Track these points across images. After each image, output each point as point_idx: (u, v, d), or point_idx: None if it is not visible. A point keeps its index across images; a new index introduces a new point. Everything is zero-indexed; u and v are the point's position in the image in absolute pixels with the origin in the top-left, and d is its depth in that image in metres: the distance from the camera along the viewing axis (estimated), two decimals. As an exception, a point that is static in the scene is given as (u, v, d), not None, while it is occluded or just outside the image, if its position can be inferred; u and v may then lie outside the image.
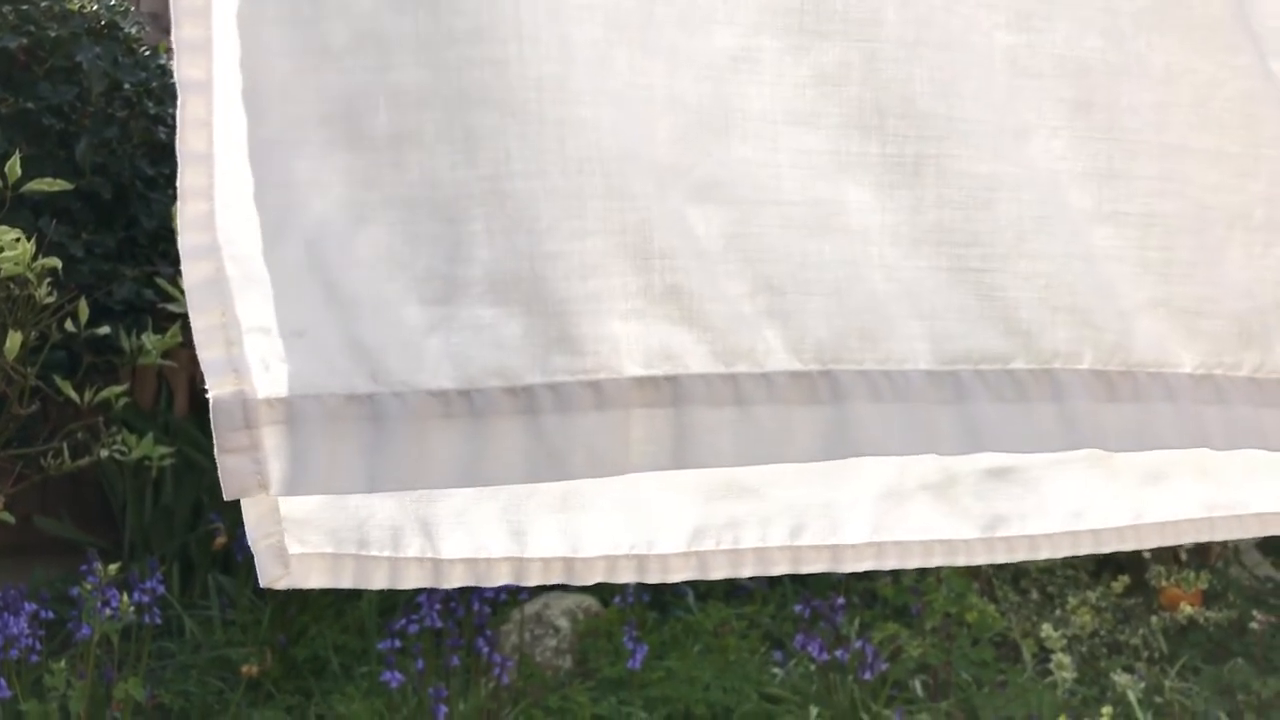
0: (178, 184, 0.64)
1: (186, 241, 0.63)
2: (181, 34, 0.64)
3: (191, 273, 0.63)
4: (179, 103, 0.64)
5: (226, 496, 0.62)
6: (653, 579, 0.81)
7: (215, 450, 0.62)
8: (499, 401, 0.65)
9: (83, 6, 4.25)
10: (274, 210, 0.65)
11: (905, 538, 0.84)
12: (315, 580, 0.73)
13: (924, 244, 0.70)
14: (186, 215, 0.64)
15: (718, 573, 0.82)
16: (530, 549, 0.80)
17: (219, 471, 0.62)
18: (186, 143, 0.64)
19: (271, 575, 0.69)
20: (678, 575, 0.81)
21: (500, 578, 0.79)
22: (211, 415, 0.62)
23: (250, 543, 0.68)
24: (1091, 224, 0.73)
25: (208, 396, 0.63)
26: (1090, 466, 0.86)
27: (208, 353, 0.63)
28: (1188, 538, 0.88)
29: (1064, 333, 0.71)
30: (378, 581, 0.76)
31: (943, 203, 0.70)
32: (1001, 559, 0.85)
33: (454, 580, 0.78)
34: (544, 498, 0.80)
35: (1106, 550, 0.89)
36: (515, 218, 0.65)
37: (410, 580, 0.77)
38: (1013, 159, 0.71)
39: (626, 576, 0.81)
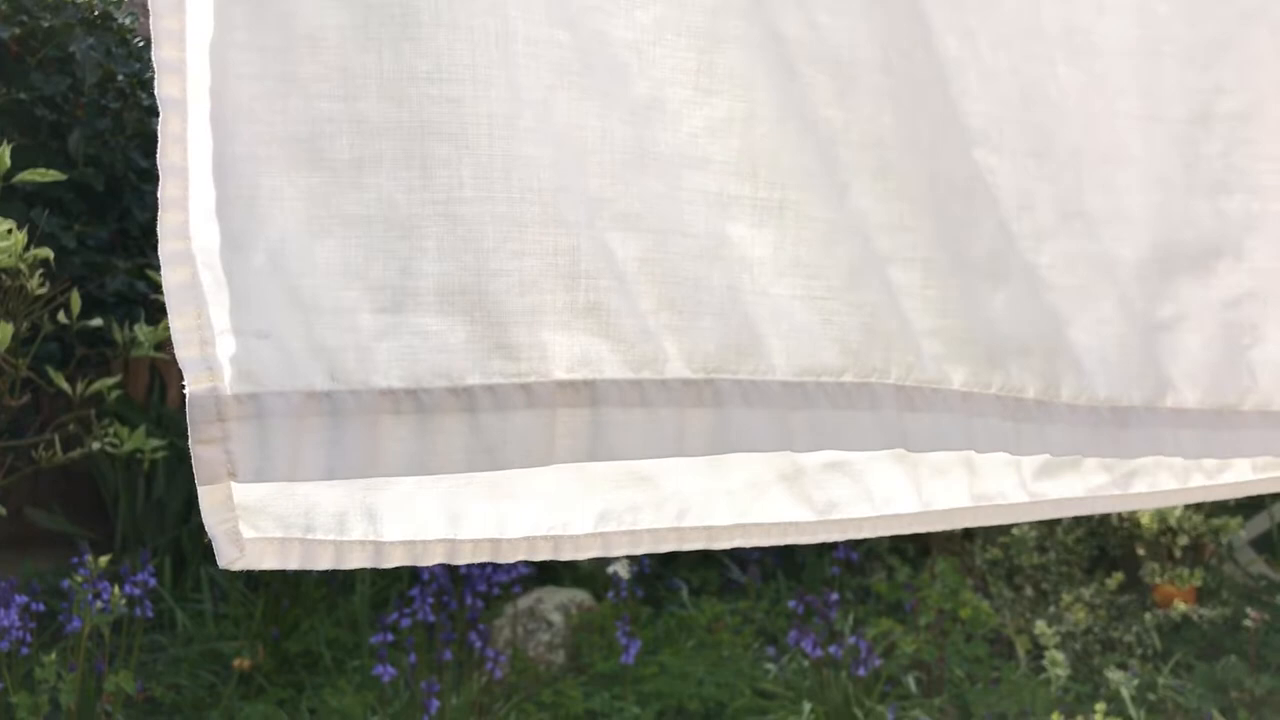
0: (159, 194, 0.70)
1: (165, 249, 0.69)
2: (160, 54, 0.70)
3: (170, 278, 0.70)
4: (160, 118, 0.70)
5: (199, 483, 0.69)
6: (565, 556, 0.90)
7: (190, 441, 0.68)
8: (443, 400, 0.74)
9: (76, -4, 4.23)
10: (239, 221, 0.71)
11: (763, 520, 0.95)
12: (268, 562, 0.79)
13: (785, 275, 0.83)
14: (165, 224, 0.70)
15: (619, 550, 0.91)
16: (463, 532, 0.87)
17: (192, 460, 0.68)
18: (166, 156, 0.70)
19: (229, 557, 0.74)
20: (586, 553, 0.90)
21: (435, 558, 0.86)
22: (187, 409, 0.68)
23: (208, 528, 0.73)
24: (889, 266, 0.87)
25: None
26: (895, 462, 0.99)
27: (184, 352, 0.69)
28: (961, 523, 1.03)
29: (879, 353, 0.86)
30: (323, 563, 0.82)
31: (799, 241, 0.83)
32: (835, 537, 0.98)
33: (394, 561, 0.85)
34: (476, 486, 0.87)
35: (904, 532, 1.02)
36: (464, 238, 0.74)
37: (353, 561, 0.84)
38: (842, 210, 0.85)
39: (544, 554, 0.90)
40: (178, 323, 0.69)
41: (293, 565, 0.80)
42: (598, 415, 0.78)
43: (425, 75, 0.73)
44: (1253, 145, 1.07)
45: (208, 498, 0.72)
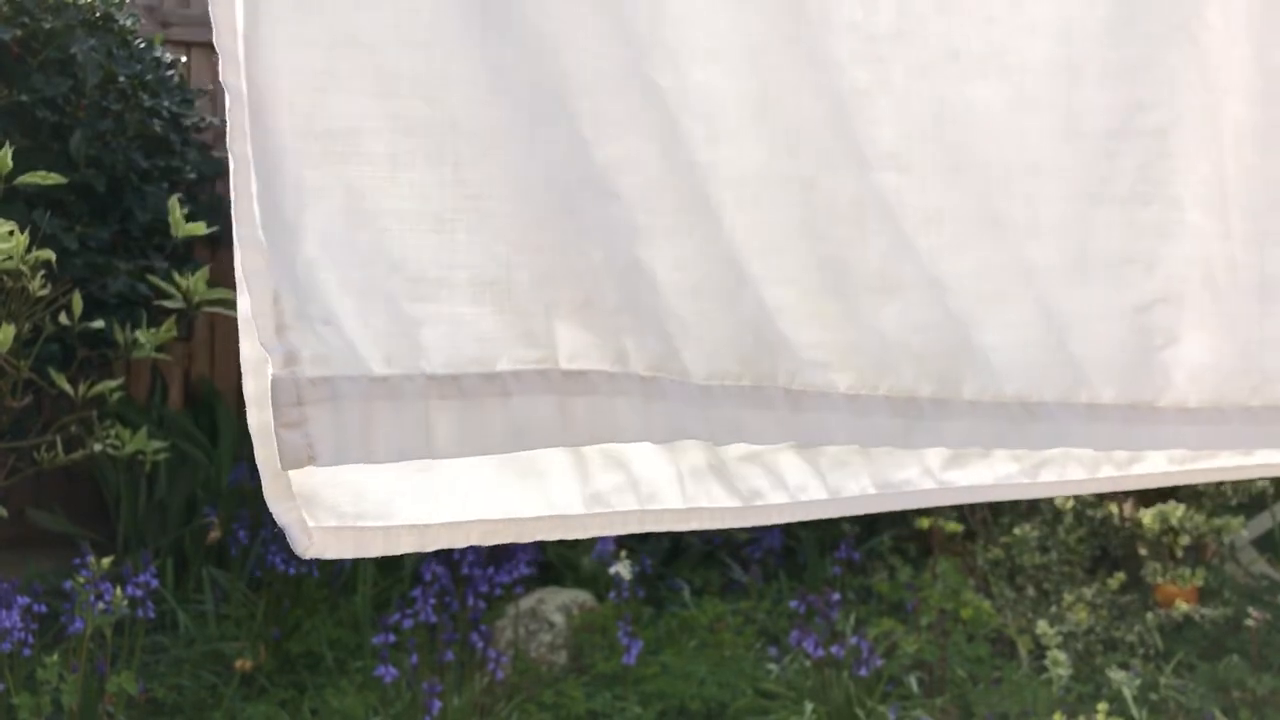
0: (230, 181, 0.73)
1: (240, 233, 0.72)
2: (221, 41, 0.74)
3: (246, 263, 0.72)
4: (227, 107, 0.73)
5: (283, 468, 0.72)
6: (571, 535, 0.98)
7: (273, 424, 0.70)
8: (480, 385, 0.79)
9: (77, -2, 4.23)
10: (290, 212, 0.74)
11: (707, 505, 1.03)
12: (330, 551, 0.82)
13: (685, 295, 0.93)
14: (237, 211, 0.73)
15: (616, 528, 1.00)
16: (493, 512, 0.94)
17: (278, 444, 0.71)
18: (234, 143, 0.73)
19: (301, 545, 0.79)
20: (587, 533, 0.99)
21: (473, 539, 0.93)
22: (271, 393, 0.70)
23: (276, 517, 0.77)
24: (763, 286, 0.97)
25: (261, 377, 0.74)
26: (797, 455, 1.07)
27: (264, 336, 0.71)
28: (872, 509, 1.11)
29: (767, 361, 0.97)
30: (375, 550, 0.86)
31: (691, 265, 0.93)
32: (759, 522, 1.05)
33: (438, 544, 0.90)
34: (494, 469, 0.94)
35: (821, 516, 1.10)
36: (494, 232, 0.80)
37: (403, 546, 0.88)
38: (718, 238, 0.95)
39: (555, 535, 0.97)
40: (257, 311, 0.72)
41: (348, 554, 0.84)
42: (593, 403, 0.85)
43: (459, 78, 0.79)
44: (1171, 159, 1.13)
45: (272, 487, 0.77)
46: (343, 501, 0.83)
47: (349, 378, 0.74)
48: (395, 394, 0.75)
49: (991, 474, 1.16)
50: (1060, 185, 1.09)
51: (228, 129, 0.73)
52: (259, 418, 0.77)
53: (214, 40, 0.74)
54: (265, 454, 0.76)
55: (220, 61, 0.74)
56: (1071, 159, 1.10)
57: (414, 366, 0.77)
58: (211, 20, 0.74)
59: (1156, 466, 1.21)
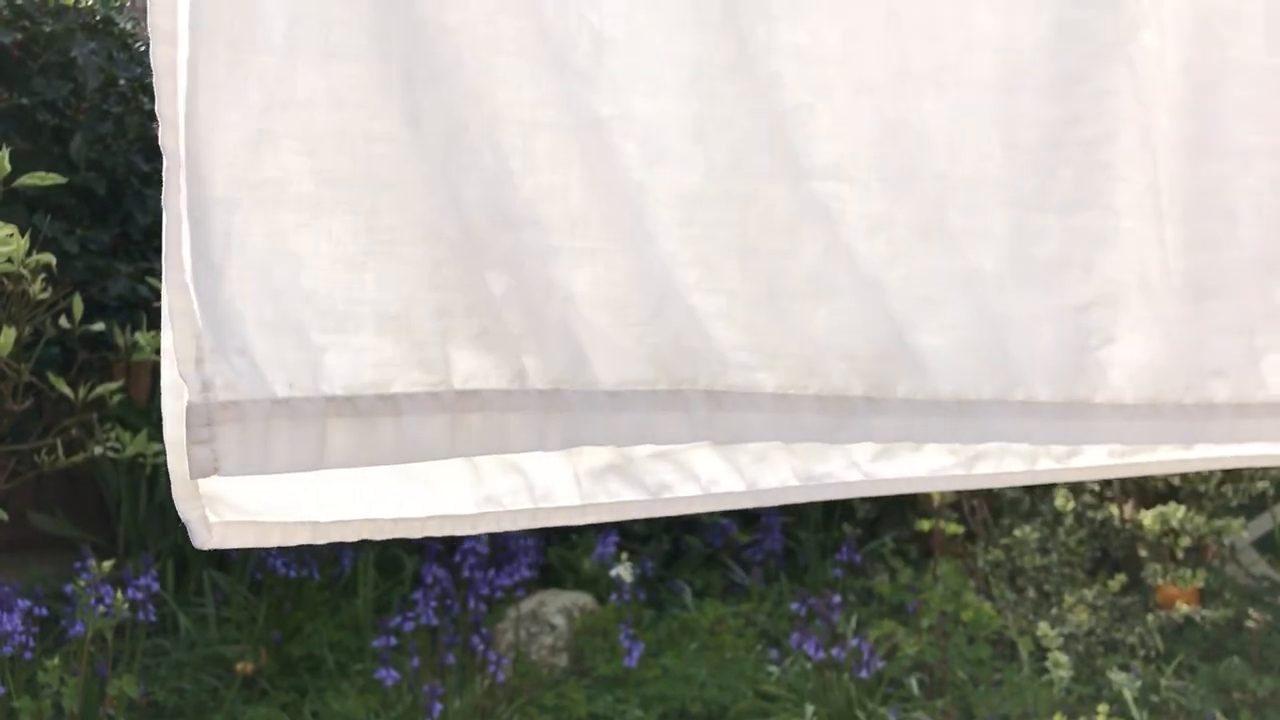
0: (163, 234, 0.83)
1: (169, 280, 0.82)
2: (162, 109, 0.83)
3: (173, 305, 0.82)
4: (164, 167, 0.83)
5: (191, 478, 0.84)
6: (460, 532, 1.05)
7: (185, 442, 0.82)
8: (373, 405, 0.90)
9: (77, 2, 4.23)
10: (216, 255, 0.84)
11: (606, 500, 1.09)
12: (230, 541, 0.92)
13: (600, 309, 1.01)
14: (168, 259, 0.82)
15: (506, 525, 1.06)
16: (382, 513, 1.02)
17: (173, 459, 0.85)
18: (169, 199, 0.82)
19: (201, 538, 0.89)
20: (476, 530, 1.06)
21: (361, 534, 1.01)
22: (185, 417, 0.82)
23: (182, 515, 0.88)
24: (693, 295, 1.05)
25: (178, 400, 0.83)
26: (712, 450, 1.12)
27: (184, 367, 0.82)
28: (793, 499, 1.17)
29: (688, 366, 1.04)
30: (273, 540, 0.95)
31: (609, 282, 1.01)
32: (667, 513, 1.12)
33: (329, 537, 0.99)
34: (392, 475, 1.01)
35: (736, 507, 1.15)
36: (398, 274, 0.91)
37: (299, 538, 0.97)
38: (649, 253, 1.03)
39: (443, 532, 1.05)
40: (179, 345, 0.82)
41: (249, 544, 0.94)
42: (486, 417, 0.95)
43: (380, 135, 0.89)
44: (1108, 169, 1.19)
45: (181, 490, 0.87)
46: (245, 500, 0.92)
47: (254, 400, 0.84)
48: (295, 414, 0.86)
49: (924, 466, 1.20)
50: (1000, 194, 1.16)
51: (164, 187, 0.82)
52: (173, 433, 0.86)
53: (156, 108, 0.83)
54: (177, 465, 0.86)
55: (160, 128, 0.83)
56: (1011, 169, 1.16)
57: (315, 389, 0.88)
58: (155, 90, 0.84)
59: (1095, 460, 1.26)
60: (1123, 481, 4.47)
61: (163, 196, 0.82)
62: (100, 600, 3.34)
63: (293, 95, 0.86)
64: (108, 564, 3.31)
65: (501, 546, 4.50)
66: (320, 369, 0.88)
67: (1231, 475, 4.34)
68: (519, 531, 4.51)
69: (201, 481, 0.87)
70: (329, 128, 0.88)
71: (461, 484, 1.03)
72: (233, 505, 0.91)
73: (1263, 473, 4.35)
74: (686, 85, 1.03)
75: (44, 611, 3.64)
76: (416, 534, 1.04)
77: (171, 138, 0.83)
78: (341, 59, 0.88)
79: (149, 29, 0.84)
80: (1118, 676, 3.66)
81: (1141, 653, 4.04)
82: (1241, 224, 1.24)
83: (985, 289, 1.15)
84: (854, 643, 3.71)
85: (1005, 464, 1.23)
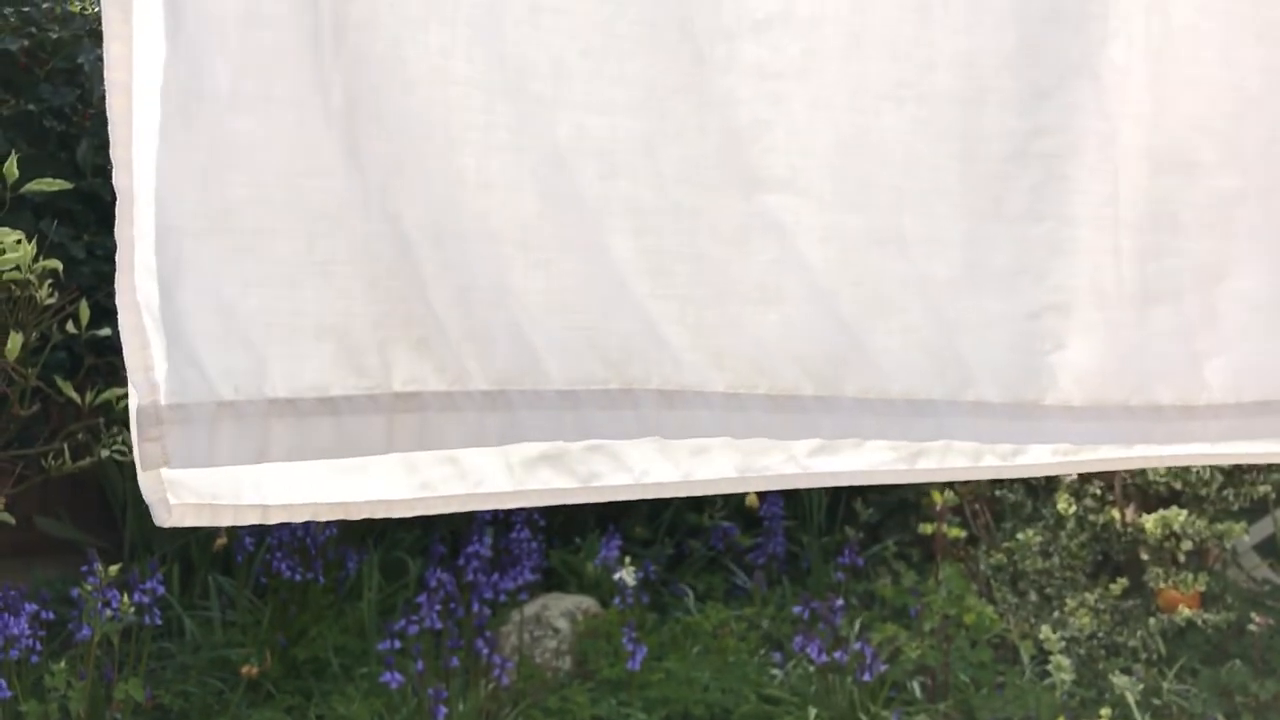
0: (116, 259, 0.92)
1: (120, 300, 0.92)
2: (116, 153, 0.91)
3: (123, 321, 0.92)
4: (117, 202, 0.91)
5: (141, 469, 0.93)
6: (395, 514, 1.13)
7: (136, 439, 0.92)
8: (314, 407, 0.99)
9: (84, 9, 4.26)
10: (168, 275, 0.93)
11: (537, 487, 1.14)
12: (188, 521, 1.00)
13: (555, 313, 1.07)
14: (120, 283, 0.92)
15: (431, 510, 1.12)
16: (326, 498, 1.09)
17: (137, 454, 0.93)
18: (120, 229, 0.91)
19: (160, 518, 0.97)
20: (410, 513, 1.12)
21: (305, 517, 1.09)
22: (134, 417, 0.91)
23: (145, 497, 0.96)
24: (647, 301, 1.10)
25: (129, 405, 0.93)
26: (653, 444, 1.16)
27: (134, 376, 0.92)
28: (728, 489, 1.21)
29: (639, 367, 1.10)
30: (225, 520, 1.03)
31: (563, 289, 1.07)
32: (597, 499, 1.17)
33: (276, 519, 1.06)
34: (335, 467, 1.07)
35: (668, 496, 1.20)
36: (337, 290, 0.99)
37: (248, 519, 1.05)
38: (603, 262, 1.09)
39: (378, 514, 1.12)
40: (130, 356, 0.92)
41: (205, 523, 1.02)
42: (424, 417, 1.03)
43: (313, 170, 0.98)
44: (1067, 180, 1.24)
45: (146, 478, 0.95)
46: (201, 485, 1.00)
47: (199, 403, 0.94)
48: (239, 414, 0.96)
49: (864, 461, 1.24)
50: (957, 204, 1.20)
51: (116, 219, 0.91)
52: (134, 430, 0.95)
53: (110, 152, 0.92)
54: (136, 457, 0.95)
55: (114, 169, 0.91)
56: (969, 181, 1.20)
57: (258, 393, 0.97)
58: (110, 135, 0.92)
59: (1039, 458, 1.31)
60: (1124, 485, 4.48)
61: (115, 227, 0.91)
62: (106, 604, 3.35)
63: (236, 138, 0.95)
64: (114, 568, 3.33)
65: (505, 550, 4.52)
66: (264, 375, 0.97)
67: (1233, 479, 4.35)
68: (523, 535, 4.53)
69: (164, 470, 0.95)
70: (268, 165, 0.97)
71: (397, 474, 1.10)
72: (191, 489, 0.99)
73: (1264, 476, 4.36)
74: (638, 105, 1.09)
75: (50, 615, 3.65)
76: (355, 516, 1.12)
77: (125, 177, 0.91)
78: (281, 103, 0.96)
79: (105, 83, 0.93)
80: (1120, 680, 3.67)
81: (1143, 656, 4.05)
82: (1186, 235, 1.29)
83: (939, 295, 1.20)
84: (856, 646, 3.73)
85: (949, 460, 1.27)
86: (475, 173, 1.04)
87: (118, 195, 0.92)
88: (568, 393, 1.08)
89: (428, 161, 1.03)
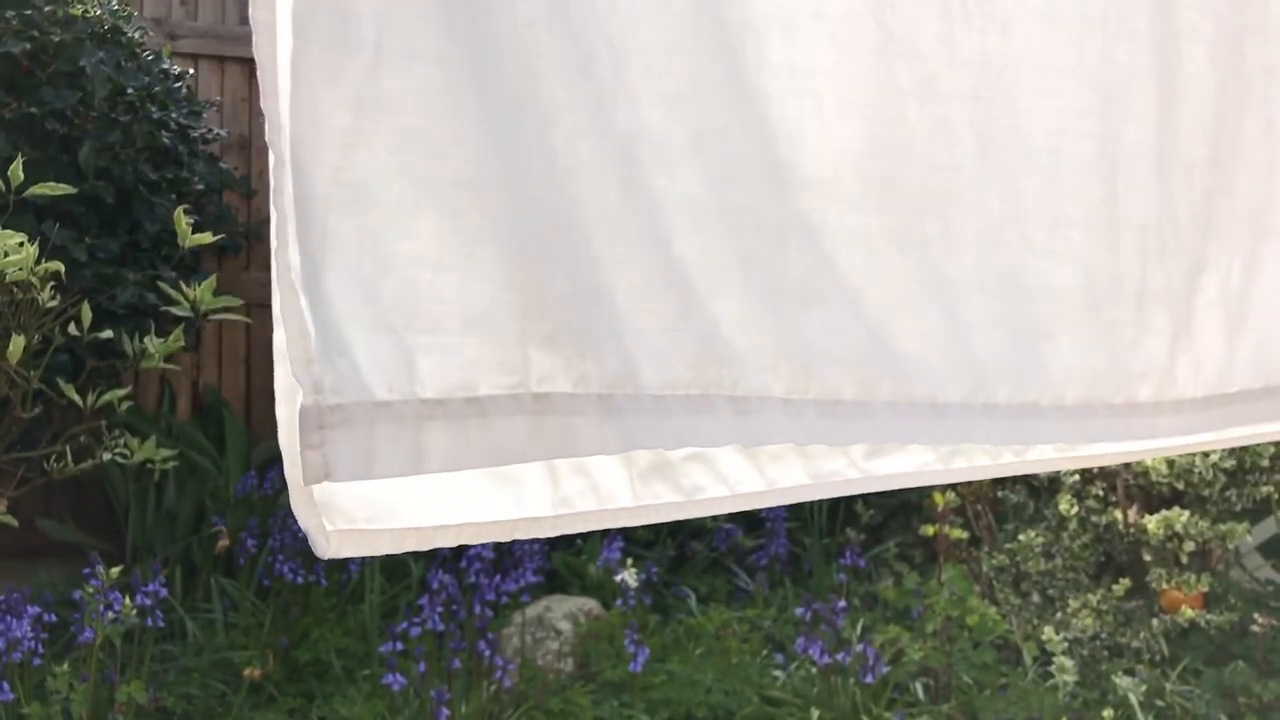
0: (272, 231, 0.83)
1: (280, 277, 0.82)
2: (266, 105, 0.83)
3: (285, 305, 0.82)
4: (271, 165, 0.84)
5: (305, 484, 0.82)
6: (541, 534, 1.08)
7: (299, 447, 0.81)
8: (462, 408, 0.89)
9: (86, 11, 4.26)
10: (316, 254, 0.85)
11: (653, 503, 1.12)
12: (346, 551, 0.92)
13: (642, 315, 1.02)
14: (279, 259, 0.82)
15: (579, 527, 1.09)
16: (480, 516, 1.03)
17: (300, 465, 0.81)
18: (276, 199, 0.83)
19: (320, 548, 0.89)
20: (555, 532, 1.08)
21: (465, 539, 1.02)
22: (299, 420, 0.81)
23: (301, 523, 0.87)
24: (711, 300, 1.06)
25: (292, 404, 0.83)
26: (737, 452, 1.16)
27: (297, 369, 0.82)
28: (806, 497, 1.21)
29: (714, 370, 1.05)
30: (384, 548, 0.96)
31: (645, 287, 1.02)
32: (701, 514, 1.14)
33: (435, 543, 1.00)
34: (476, 478, 1.04)
35: (756, 506, 1.18)
36: (480, 274, 0.91)
37: (407, 545, 0.98)
38: (668, 259, 1.04)
39: (529, 534, 1.07)
40: (290, 344, 0.82)
41: (363, 553, 0.94)
42: (557, 420, 0.95)
43: (451, 136, 0.90)
44: (1071, 178, 1.24)
45: (298, 497, 0.87)
46: (355, 508, 0.93)
47: (358, 404, 0.83)
48: (396, 417, 0.86)
49: (910, 463, 1.26)
50: (968, 205, 1.21)
51: (272, 186, 0.83)
52: (288, 439, 0.85)
53: (262, 104, 0.83)
54: (292, 471, 0.84)
55: (266, 125, 0.84)
56: (983, 183, 1.21)
57: (410, 392, 0.87)
58: (260, 84, 0.84)
59: (1045, 454, 1.35)
60: (1126, 486, 4.47)
61: (271, 195, 0.83)
62: (109, 606, 3.36)
63: (382, 96, 0.87)
64: (116, 570, 3.33)
65: (507, 552, 4.52)
66: (414, 371, 0.88)
67: (1236, 480, 4.35)
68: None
69: (315, 489, 0.87)
70: (415, 129, 0.89)
71: (541, 487, 1.06)
72: (344, 514, 0.92)
73: (1267, 477, 4.35)
74: (687, 98, 1.06)
75: (53, 618, 3.66)
76: (508, 536, 1.06)
77: (276, 135, 0.84)
78: (424, 60, 0.89)
79: (250, 22, 0.84)
80: (1123, 681, 3.67)
81: (1146, 657, 4.04)
82: (1183, 233, 1.32)
83: (954, 296, 1.21)
84: (859, 647, 3.72)
85: (976, 459, 1.30)
86: (566, 155, 0.98)
87: (272, 156, 0.84)
88: (660, 398, 1.02)
89: (531, 140, 0.96)
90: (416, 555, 4.55)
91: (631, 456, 1.10)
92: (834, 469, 1.22)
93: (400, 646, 3.70)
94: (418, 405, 0.87)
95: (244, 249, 5.11)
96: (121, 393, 3.08)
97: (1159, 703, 3.74)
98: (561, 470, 1.06)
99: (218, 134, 4.93)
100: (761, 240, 1.11)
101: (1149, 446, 1.38)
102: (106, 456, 3.13)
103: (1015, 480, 4.71)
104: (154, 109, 4.43)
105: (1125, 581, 4.29)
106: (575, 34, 0.99)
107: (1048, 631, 3.89)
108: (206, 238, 2.87)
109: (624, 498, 1.10)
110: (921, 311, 1.19)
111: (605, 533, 4.60)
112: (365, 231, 0.87)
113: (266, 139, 0.84)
